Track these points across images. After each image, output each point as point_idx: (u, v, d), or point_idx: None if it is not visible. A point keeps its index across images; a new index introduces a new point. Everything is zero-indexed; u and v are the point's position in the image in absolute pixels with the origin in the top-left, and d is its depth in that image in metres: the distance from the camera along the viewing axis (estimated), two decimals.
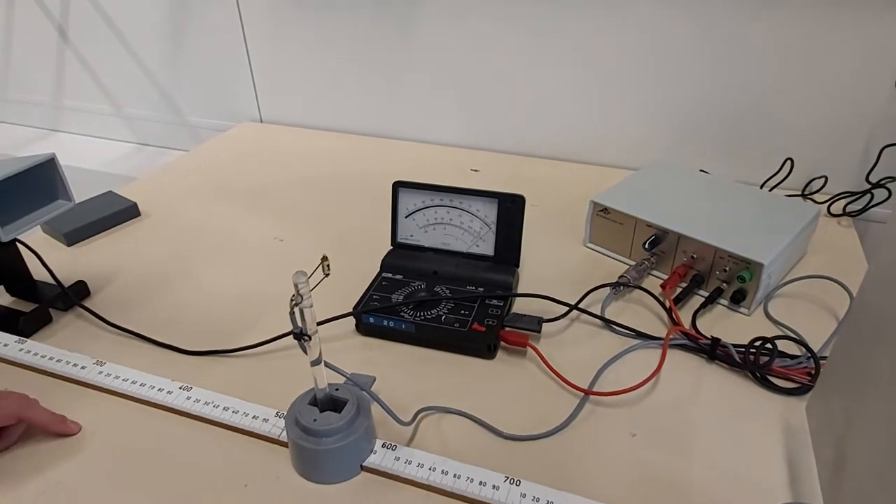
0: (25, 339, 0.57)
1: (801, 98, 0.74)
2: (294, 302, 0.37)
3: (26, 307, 0.60)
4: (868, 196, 0.71)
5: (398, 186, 0.62)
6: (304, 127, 1.06)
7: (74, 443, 0.47)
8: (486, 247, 0.61)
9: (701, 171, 0.76)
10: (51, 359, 0.54)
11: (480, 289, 0.58)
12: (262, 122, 1.09)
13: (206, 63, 1.05)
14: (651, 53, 0.79)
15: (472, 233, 0.61)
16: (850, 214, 0.72)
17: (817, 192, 0.76)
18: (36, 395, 0.48)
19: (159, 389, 0.50)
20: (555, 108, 0.88)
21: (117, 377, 0.52)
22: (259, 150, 0.99)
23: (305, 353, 0.40)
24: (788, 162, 0.75)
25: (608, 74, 0.82)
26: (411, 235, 0.63)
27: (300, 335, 0.39)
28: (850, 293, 0.59)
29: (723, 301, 0.60)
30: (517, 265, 0.61)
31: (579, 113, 0.86)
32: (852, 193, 0.73)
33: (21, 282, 0.62)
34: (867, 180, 0.71)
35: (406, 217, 0.63)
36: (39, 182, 0.55)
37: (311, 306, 0.38)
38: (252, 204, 0.82)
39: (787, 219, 0.62)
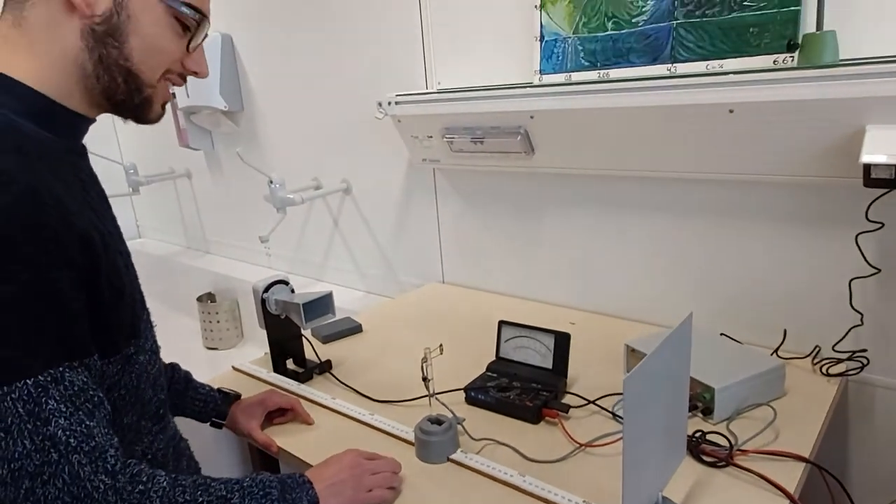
0: (301, 383, 1.10)
1: (794, 289, 1.05)
2: (423, 361, 0.83)
3: (300, 370, 1.13)
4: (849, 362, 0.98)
5: (501, 323, 1.06)
6: (469, 287, 1.57)
7: (312, 428, 0.96)
8: (548, 362, 1.01)
9: (721, 334, 1.09)
10: (311, 392, 1.05)
11: (539, 386, 0.98)
12: (443, 282, 1.63)
13: (413, 241, 1.65)
14: (687, 250, 1.16)
15: (541, 353, 1.02)
16: (830, 375, 0.98)
17: (810, 355, 1.03)
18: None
19: (359, 413, 0.98)
20: (625, 285, 1.27)
21: (340, 405, 1.01)
22: (439, 301, 1.51)
23: (427, 389, 0.85)
24: (783, 331, 1.04)
25: (657, 265, 1.21)
26: (507, 353, 1.06)
27: (425, 378, 0.84)
28: (775, 413, 0.87)
29: (696, 413, 0.91)
30: (566, 375, 1.00)
31: (643, 288, 1.25)
32: (834, 360, 0.99)
33: (300, 357, 1.16)
34: (833, 349, 0.97)
35: (505, 342, 1.06)
36: (321, 303, 1.10)
37: (431, 365, 0.83)
38: (427, 331, 1.31)
39: (751, 367, 0.93)
